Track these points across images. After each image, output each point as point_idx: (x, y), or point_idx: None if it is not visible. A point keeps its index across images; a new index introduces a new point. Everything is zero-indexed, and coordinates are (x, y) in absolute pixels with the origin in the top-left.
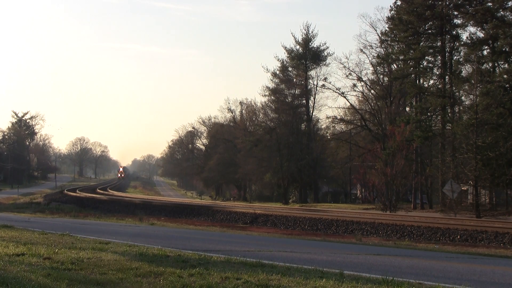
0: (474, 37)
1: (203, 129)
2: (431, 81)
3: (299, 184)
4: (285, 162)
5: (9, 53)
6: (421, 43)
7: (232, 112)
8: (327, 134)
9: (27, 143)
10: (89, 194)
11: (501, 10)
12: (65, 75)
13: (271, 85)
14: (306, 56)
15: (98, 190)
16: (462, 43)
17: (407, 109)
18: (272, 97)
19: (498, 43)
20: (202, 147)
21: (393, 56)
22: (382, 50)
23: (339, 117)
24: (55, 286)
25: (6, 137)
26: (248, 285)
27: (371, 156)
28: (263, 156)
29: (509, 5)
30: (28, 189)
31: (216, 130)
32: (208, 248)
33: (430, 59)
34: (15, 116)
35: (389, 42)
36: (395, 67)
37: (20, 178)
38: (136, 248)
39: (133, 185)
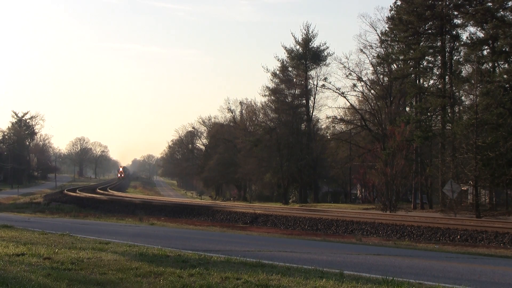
0: (474, 37)
1: (203, 129)
2: (431, 81)
3: (299, 184)
4: (285, 162)
5: (9, 53)
6: (421, 43)
7: (232, 112)
8: (327, 134)
9: (27, 143)
10: (89, 194)
11: (501, 10)
12: (65, 75)
13: (271, 85)
14: (306, 56)
15: (98, 190)
16: (462, 43)
17: (407, 109)
18: (272, 97)
19: (498, 43)
20: (202, 147)
21: (393, 56)
22: (382, 50)
23: (339, 117)
24: (55, 286)
25: (6, 137)
26: (248, 285)
27: (371, 156)
28: (263, 156)
29: (509, 5)
30: (28, 189)
31: (216, 130)
32: (208, 248)
33: (430, 59)
34: (15, 116)
35: (389, 42)
36: (395, 67)
37: (20, 178)
38: (136, 248)
39: (133, 185)
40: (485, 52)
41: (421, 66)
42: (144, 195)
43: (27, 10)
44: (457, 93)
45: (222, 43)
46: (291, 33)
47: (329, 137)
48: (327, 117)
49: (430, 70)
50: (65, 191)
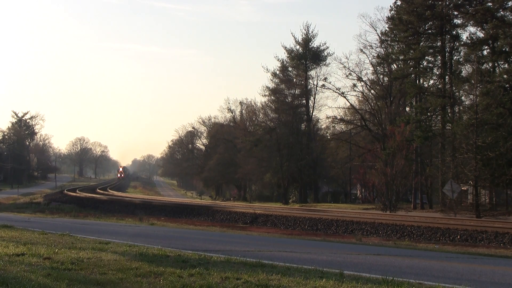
0: (474, 37)
1: (203, 129)
2: (431, 81)
3: (299, 184)
4: (285, 162)
5: (9, 53)
6: (421, 43)
7: (232, 112)
8: (327, 134)
9: (27, 143)
10: (89, 194)
11: (501, 10)
12: (65, 75)
13: (271, 85)
14: (306, 56)
15: (98, 190)
16: (462, 43)
17: (407, 109)
18: (272, 97)
19: (498, 43)
20: (202, 147)
21: (393, 56)
22: (382, 50)
23: (339, 117)
24: (55, 286)
25: (6, 137)
26: (248, 285)
27: (371, 156)
28: (263, 156)
29: (509, 5)
30: (28, 189)
31: (216, 130)
32: (208, 248)
33: (430, 59)
34: (15, 116)
35: (389, 42)
36: (395, 67)
37: (20, 178)
38: (136, 248)
39: (133, 185)
40: (485, 52)
41: (421, 66)
42: (144, 195)
43: (27, 10)
44: (457, 93)
45: (222, 43)
46: (291, 33)
47: (329, 137)
48: (327, 117)
49: (430, 70)
50: (65, 191)
